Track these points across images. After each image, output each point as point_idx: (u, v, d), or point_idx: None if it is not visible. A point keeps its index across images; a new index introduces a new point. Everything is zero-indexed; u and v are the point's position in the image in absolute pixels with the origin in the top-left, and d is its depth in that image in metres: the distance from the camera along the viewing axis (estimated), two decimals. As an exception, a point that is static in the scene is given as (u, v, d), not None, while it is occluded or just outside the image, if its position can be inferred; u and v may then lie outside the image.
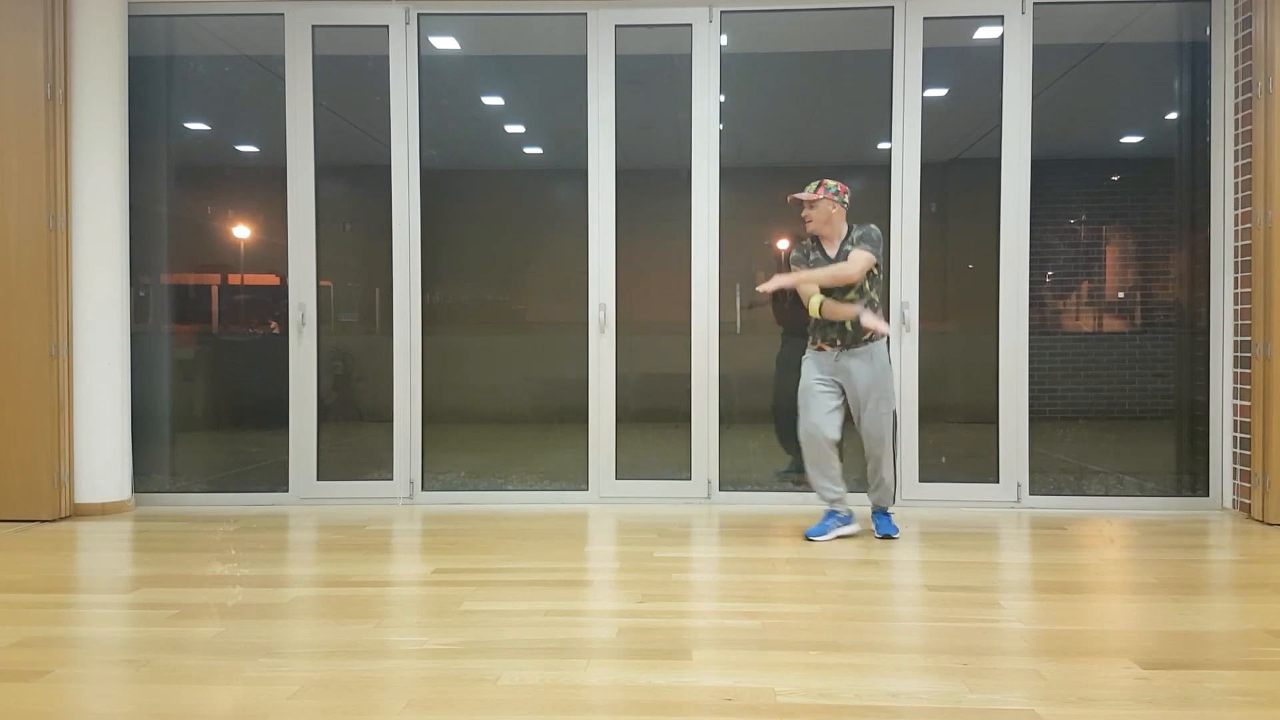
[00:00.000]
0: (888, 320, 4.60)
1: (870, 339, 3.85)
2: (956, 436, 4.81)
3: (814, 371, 3.91)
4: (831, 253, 3.86)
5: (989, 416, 4.66)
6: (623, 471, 4.70)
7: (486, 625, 2.80)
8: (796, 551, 3.71)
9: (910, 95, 4.62)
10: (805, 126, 5.14)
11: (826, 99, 5.06)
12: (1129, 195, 4.95)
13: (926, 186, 4.64)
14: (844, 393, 3.90)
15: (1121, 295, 4.94)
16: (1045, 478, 4.73)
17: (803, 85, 5.01)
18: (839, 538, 3.93)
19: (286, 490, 4.77)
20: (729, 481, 4.75)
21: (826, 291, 3.83)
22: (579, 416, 4.75)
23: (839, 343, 3.86)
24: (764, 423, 4.92)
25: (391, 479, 4.77)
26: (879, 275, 3.90)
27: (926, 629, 2.77)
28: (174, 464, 4.99)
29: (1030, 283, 4.62)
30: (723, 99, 4.71)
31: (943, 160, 4.73)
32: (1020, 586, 3.24)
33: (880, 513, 4.03)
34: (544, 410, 5.15)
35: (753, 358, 4.94)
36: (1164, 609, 2.97)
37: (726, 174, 4.66)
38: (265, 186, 4.87)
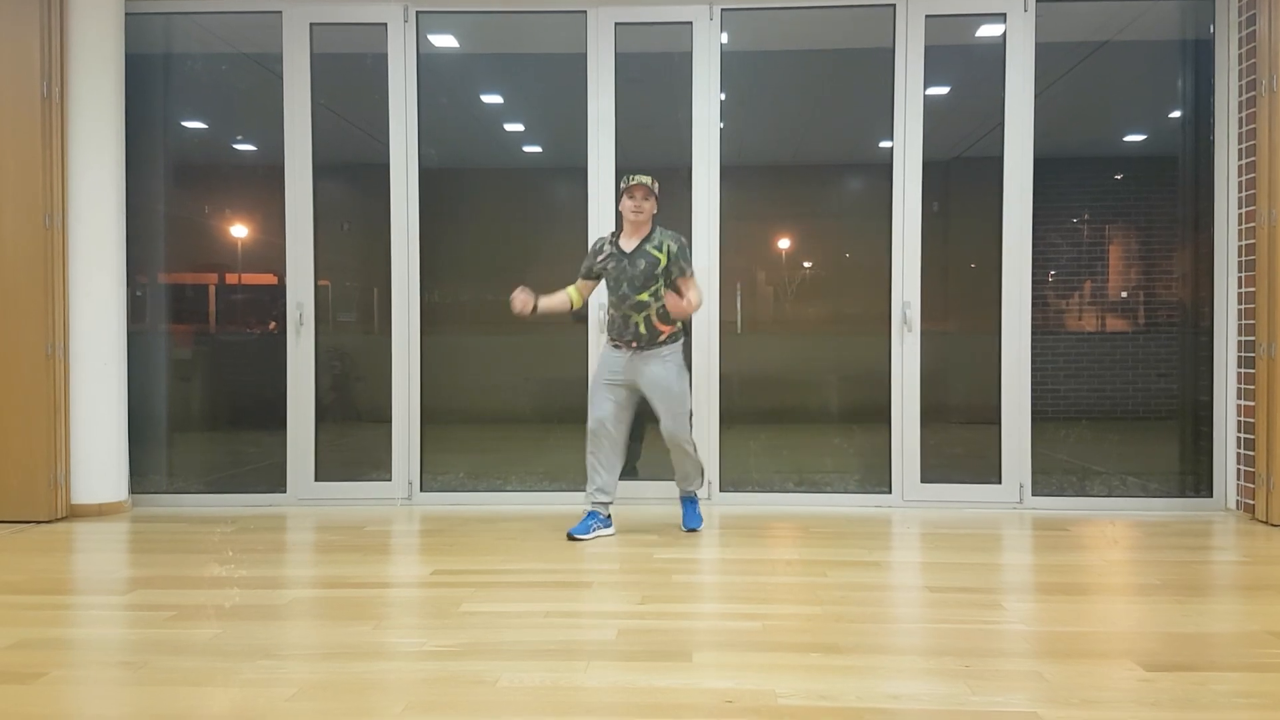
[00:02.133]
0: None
1: (665, 340, 3.89)
2: (958, 437, 4.81)
3: (606, 368, 3.95)
4: (628, 248, 3.88)
5: (991, 417, 4.66)
6: (623, 472, 4.69)
7: (486, 627, 2.80)
8: (797, 553, 3.71)
9: (912, 93, 4.62)
10: (806, 125, 5.14)
11: (827, 97, 5.06)
12: (1132, 194, 4.96)
13: (928, 186, 4.64)
14: (636, 390, 3.95)
15: (1125, 295, 4.94)
16: (1048, 478, 4.73)
17: (804, 83, 5.01)
18: (598, 537, 3.98)
19: (284, 491, 4.77)
20: (730, 482, 4.75)
21: (633, 293, 3.86)
22: (579, 417, 4.74)
23: (635, 345, 3.90)
24: (766, 423, 4.92)
25: (390, 480, 4.77)
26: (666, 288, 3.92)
27: (928, 630, 2.77)
28: (171, 464, 4.99)
29: (1033, 282, 4.62)
30: (723, 97, 4.71)
31: (945, 159, 4.73)
32: (1022, 588, 3.24)
33: (687, 501, 4.12)
34: (544, 410, 5.15)
35: (754, 357, 4.94)
36: (1167, 610, 2.97)
37: (727, 173, 4.66)
38: (263, 185, 4.87)
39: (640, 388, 3.93)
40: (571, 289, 4.05)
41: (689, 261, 3.91)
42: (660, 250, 3.86)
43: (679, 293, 3.84)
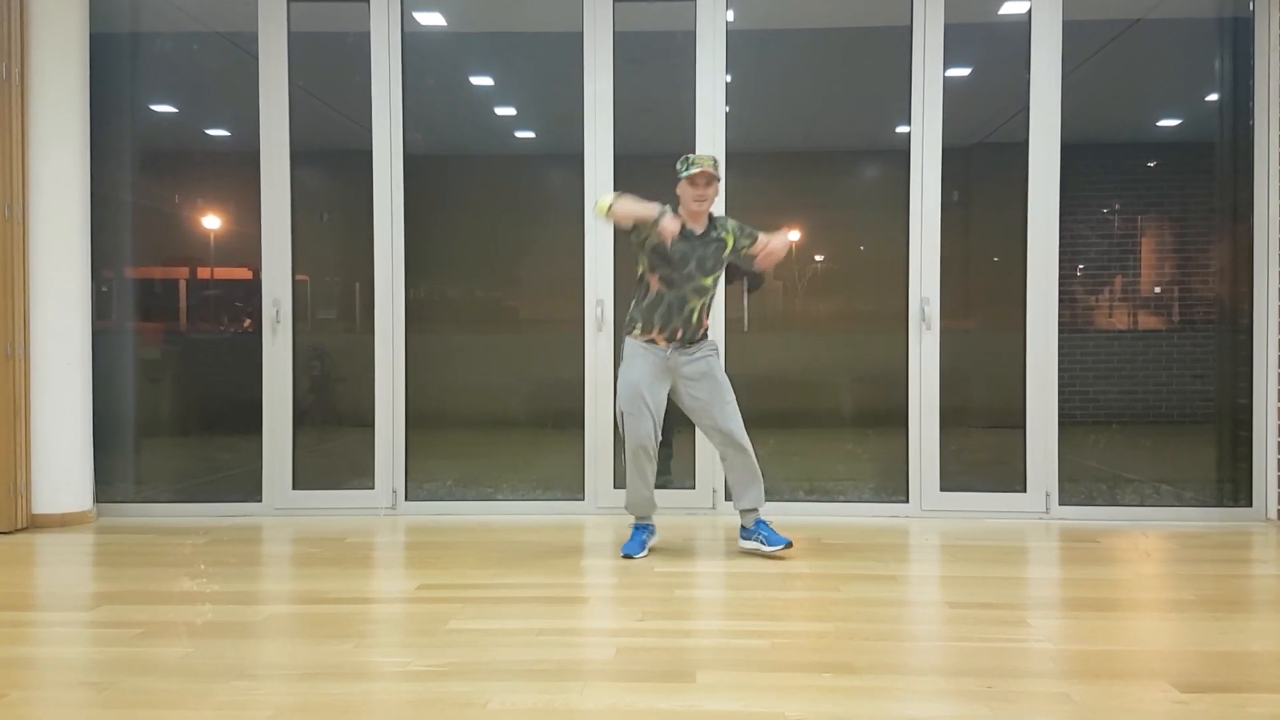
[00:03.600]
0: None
1: (705, 338, 3.86)
2: (980, 442, 4.81)
3: (645, 372, 3.78)
4: (698, 231, 3.79)
5: (1015, 421, 4.66)
6: (621, 480, 4.69)
7: (475, 645, 2.80)
8: (808, 566, 3.71)
9: (931, 75, 4.62)
10: (818, 109, 5.15)
11: (841, 79, 5.06)
12: (1166, 182, 4.96)
13: (948, 173, 4.64)
14: (667, 395, 3.86)
15: (1158, 290, 4.94)
16: (1076, 486, 4.73)
17: (815, 64, 5.02)
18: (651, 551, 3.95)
19: (260, 500, 4.78)
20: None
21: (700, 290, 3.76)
22: (574, 421, 4.75)
23: (680, 336, 3.79)
24: (774, 427, 4.92)
25: (373, 488, 4.77)
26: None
27: (948, 649, 2.77)
28: (139, 472, 4.99)
29: (1060, 277, 4.62)
30: (729, 79, 4.71)
31: (966, 145, 4.73)
32: (1049, 603, 3.24)
33: (760, 522, 3.90)
34: (537, 414, 5.15)
35: (762, 357, 4.94)
36: (1204, 628, 2.97)
37: (733, 160, 4.66)
38: (237, 173, 4.87)
39: (678, 387, 3.83)
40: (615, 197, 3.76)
41: (751, 233, 3.85)
42: (726, 232, 3.81)
43: (741, 275, 3.83)
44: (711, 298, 3.86)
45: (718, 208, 4.54)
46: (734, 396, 3.86)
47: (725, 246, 3.81)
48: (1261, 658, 2.69)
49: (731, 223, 3.86)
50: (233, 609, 3.18)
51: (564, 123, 4.80)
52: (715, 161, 3.75)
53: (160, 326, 5.13)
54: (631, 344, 3.84)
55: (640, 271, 3.84)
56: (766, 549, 3.81)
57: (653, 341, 3.81)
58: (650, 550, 3.94)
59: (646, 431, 3.79)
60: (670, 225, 3.62)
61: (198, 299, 5.18)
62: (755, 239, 3.83)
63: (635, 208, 3.64)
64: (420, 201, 4.82)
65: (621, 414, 3.82)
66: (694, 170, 3.69)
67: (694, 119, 4.69)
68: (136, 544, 4.19)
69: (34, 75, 4.47)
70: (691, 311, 3.77)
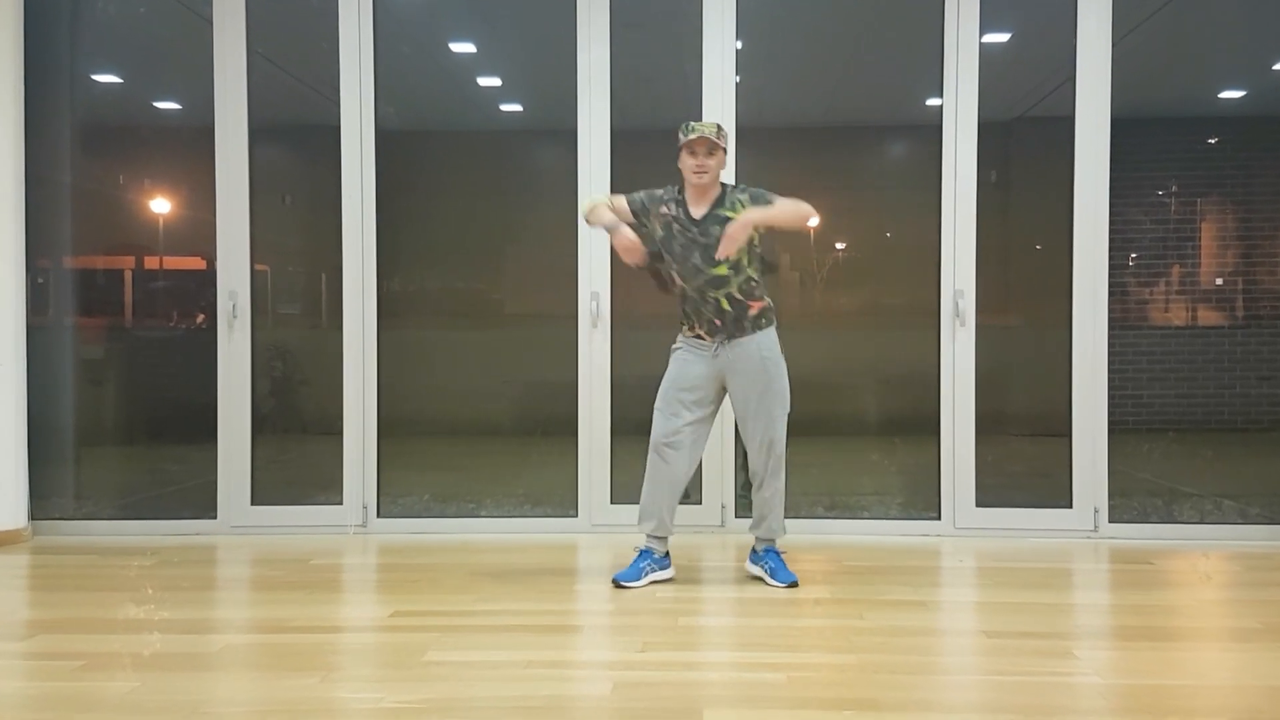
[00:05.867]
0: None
1: (761, 321, 3.76)
2: (1021, 451, 4.82)
3: (683, 372, 3.80)
4: (698, 214, 3.72)
5: (1060, 428, 4.66)
6: (619, 494, 4.70)
7: (455, 679, 2.79)
8: (829, 590, 3.72)
9: (965, 41, 4.62)
10: (839, 79, 5.15)
11: (865, 45, 5.06)
12: (1229, 161, 4.96)
13: (984, 151, 4.64)
14: (720, 395, 3.84)
15: (1220, 282, 4.95)
16: (1128, 502, 4.74)
17: (836, 29, 5.02)
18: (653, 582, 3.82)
19: (214, 517, 4.77)
20: (747, 506, 4.75)
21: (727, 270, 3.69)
22: (567, 428, 4.75)
23: (722, 326, 3.74)
24: (790, 436, 4.93)
25: (341, 503, 4.77)
26: (758, 248, 3.79)
27: (985, 684, 2.77)
28: (79, 485, 4.99)
29: (1110, 267, 4.62)
30: (740, 45, 4.71)
31: (1005, 119, 4.74)
32: (1097, 632, 3.24)
33: (770, 551, 3.89)
34: (525, 420, 5.16)
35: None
36: (1270, 660, 2.96)
37: (744, 136, 4.66)
38: (189, 151, 4.88)
39: (729, 385, 3.79)
40: (608, 200, 3.86)
41: (764, 198, 3.73)
42: (735, 210, 3.68)
43: (752, 270, 3.73)
44: (746, 280, 3.73)
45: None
46: (786, 408, 3.78)
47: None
48: (1335, 693, 2.69)
49: (750, 192, 3.74)
50: (184, 639, 3.17)
51: (555, 94, 4.80)
52: (720, 130, 3.71)
53: (103, 323, 5.14)
54: (678, 340, 3.88)
55: None
56: (769, 581, 3.80)
57: (699, 337, 3.80)
58: (652, 583, 3.81)
59: (666, 430, 3.78)
60: (624, 243, 3.66)
61: (145, 292, 5.20)
62: (771, 203, 3.72)
63: (606, 217, 3.72)
64: (394, 183, 4.82)
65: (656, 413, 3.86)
66: (692, 136, 3.67)
67: (700, 90, 4.69)
68: (76, 566, 4.19)
69: (-38, 41, 4.47)
70: (718, 302, 3.72)
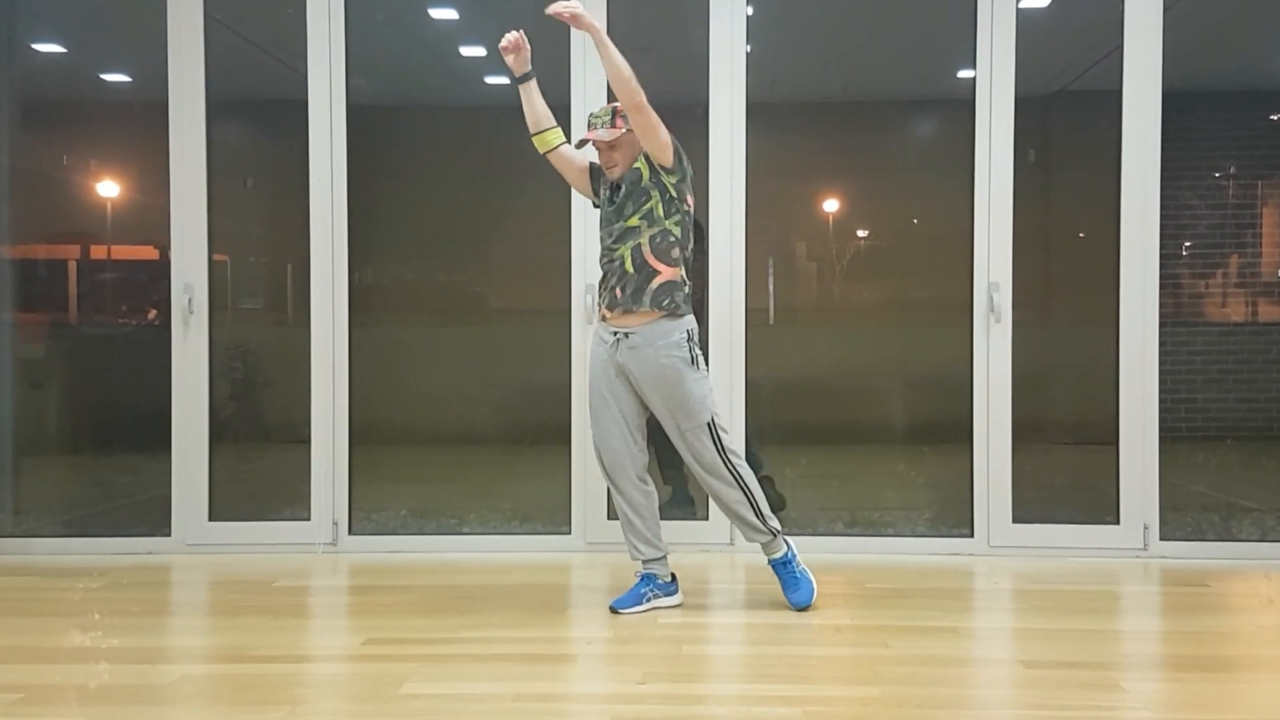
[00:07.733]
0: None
1: (662, 297, 3.62)
2: (1063, 462, 4.82)
3: (596, 362, 3.78)
4: (616, 180, 3.73)
5: (1106, 435, 4.66)
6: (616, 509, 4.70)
7: (435, 713, 2.79)
8: (849, 616, 3.72)
9: (1001, 7, 4.63)
10: (861, 49, 5.15)
11: (889, 11, 5.07)
12: (1293, 140, 4.96)
13: (1022, 129, 4.64)
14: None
15: (1283, 274, 4.95)
16: (1181, 517, 4.74)
17: (857, -7, 5.02)
18: (654, 609, 3.75)
19: (168, 534, 4.78)
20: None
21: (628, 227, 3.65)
22: (559, 436, 4.75)
23: (620, 295, 3.66)
24: (807, 444, 4.93)
25: (309, 519, 4.77)
26: (686, 208, 3.69)
27: (1023, 718, 2.77)
28: (18, 499, 4.99)
29: (1162, 257, 4.62)
30: (750, 11, 4.72)
31: (1044, 94, 4.74)
32: (1148, 662, 3.24)
33: (777, 564, 3.80)
34: (513, 427, 5.16)
35: (791, 357, 4.95)
36: (1340, 692, 2.97)
37: (755, 111, 4.67)
38: (140, 129, 4.88)
39: (632, 383, 3.75)
40: (556, 132, 3.88)
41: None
42: (640, 161, 3.68)
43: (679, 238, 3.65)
44: (661, 234, 3.64)
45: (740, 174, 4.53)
46: (700, 420, 3.66)
47: (641, 174, 3.68)
48: None
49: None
50: (135, 669, 3.17)
51: (547, 66, 4.79)
52: (610, 118, 3.68)
53: (45, 318, 5.14)
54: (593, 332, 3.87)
55: None
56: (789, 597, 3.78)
57: (603, 319, 3.78)
58: (654, 609, 3.77)
59: (604, 437, 3.77)
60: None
61: (91, 284, 5.19)
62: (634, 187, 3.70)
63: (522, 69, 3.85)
64: (368, 164, 4.83)
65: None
66: (588, 136, 3.71)
67: (707, 60, 4.69)
68: (15, 588, 4.18)
69: (-112, 7, 4.47)
70: (622, 260, 3.67)
